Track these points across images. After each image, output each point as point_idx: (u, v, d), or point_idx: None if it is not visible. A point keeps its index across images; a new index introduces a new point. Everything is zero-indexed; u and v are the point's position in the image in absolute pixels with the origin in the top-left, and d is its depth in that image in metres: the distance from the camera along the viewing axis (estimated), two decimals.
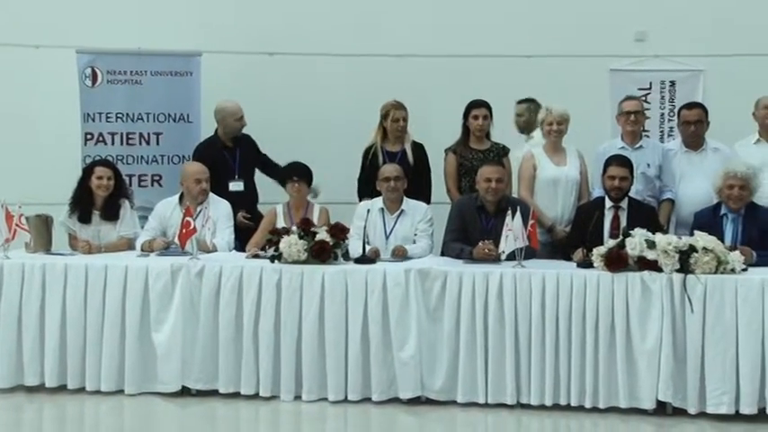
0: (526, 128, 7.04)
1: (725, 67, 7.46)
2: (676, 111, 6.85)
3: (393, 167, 6.18)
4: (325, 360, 5.41)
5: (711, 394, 5.05)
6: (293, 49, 7.82)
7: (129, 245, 6.21)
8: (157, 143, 7.46)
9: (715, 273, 5.13)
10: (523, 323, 5.28)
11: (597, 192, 6.22)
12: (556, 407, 5.24)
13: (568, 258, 5.77)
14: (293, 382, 5.44)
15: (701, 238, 5.22)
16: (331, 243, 5.56)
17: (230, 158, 6.86)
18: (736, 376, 5.01)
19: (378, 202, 6.14)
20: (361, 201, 6.36)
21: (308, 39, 7.85)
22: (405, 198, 6.14)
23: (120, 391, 5.54)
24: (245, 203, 6.71)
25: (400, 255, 5.83)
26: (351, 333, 5.40)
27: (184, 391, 5.54)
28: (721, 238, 5.46)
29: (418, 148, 6.66)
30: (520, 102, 7.10)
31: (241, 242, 6.29)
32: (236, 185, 6.79)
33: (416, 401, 5.38)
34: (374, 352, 5.37)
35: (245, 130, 6.93)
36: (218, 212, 6.23)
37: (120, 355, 5.55)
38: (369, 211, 5.98)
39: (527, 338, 5.27)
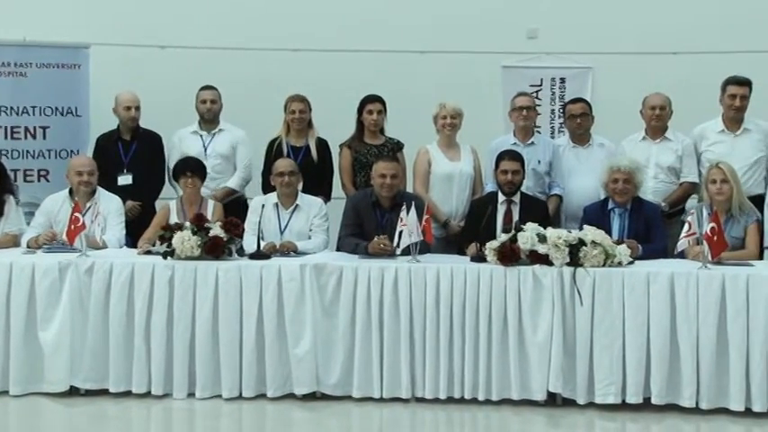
0: None
1: (613, 64, 7.65)
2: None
3: (287, 162, 6.15)
4: (219, 357, 5.35)
5: (599, 385, 5.16)
6: (186, 42, 7.71)
7: (13, 242, 6.03)
8: (44, 137, 7.26)
9: (603, 266, 5.24)
10: (418, 317, 5.31)
11: (490, 187, 6.31)
12: (450, 400, 5.28)
13: (462, 252, 5.85)
14: (186, 380, 5.36)
15: (590, 233, 5.33)
16: (225, 239, 5.49)
17: (123, 151, 6.71)
18: (623, 367, 5.13)
19: (272, 197, 6.09)
20: (266, 194, 6.31)
21: (202, 32, 7.77)
22: (300, 193, 6.11)
23: (5, 392, 5.36)
24: (134, 199, 6.56)
25: (287, 250, 5.78)
26: (245, 329, 5.35)
27: (73, 391, 5.40)
28: (609, 232, 5.59)
29: (322, 145, 6.66)
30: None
31: (132, 238, 6.16)
32: (124, 179, 6.63)
33: (312, 397, 5.36)
34: (269, 348, 5.33)
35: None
36: (109, 208, 6.09)
37: (4, 354, 5.38)
38: (263, 206, 5.93)
39: (422, 333, 5.30)
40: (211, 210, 6.11)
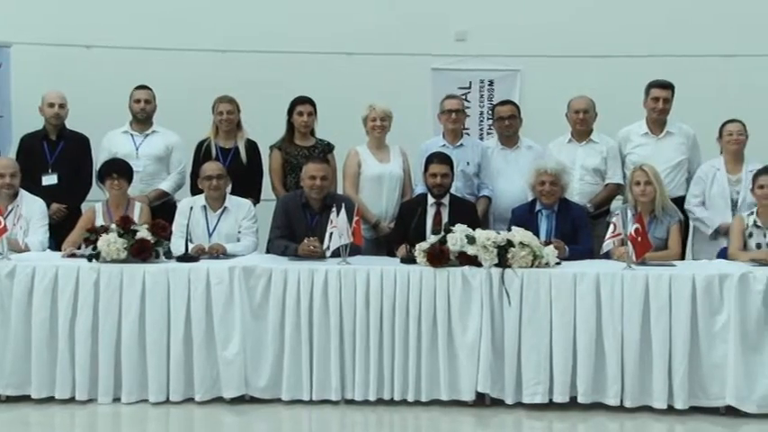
0: None
1: (541, 67, 7.75)
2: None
3: (215, 165, 6.10)
4: (146, 361, 5.28)
5: (527, 384, 5.20)
6: (113, 43, 7.61)
7: None
8: None
9: (531, 267, 5.29)
10: (348, 319, 5.30)
11: (420, 188, 6.33)
12: (380, 401, 5.28)
13: (392, 254, 5.86)
14: (112, 385, 5.28)
15: (518, 234, 5.38)
16: (152, 241, 5.42)
17: (48, 151, 6.58)
18: (550, 367, 5.18)
19: (200, 199, 6.02)
20: (194, 195, 6.25)
21: (129, 32, 7.68)
22: (228, 195, 6.06)
23: None
24: (60, 199, 6.43)
25: (215, 252, 5.73)
26: (173, 333, 5.29)
27: None
28: (537, 234, 5.65)
29: (251, 146, 6.62)
30: None
31: (57, 241, 6.04)
32: (48, 179, 6.50)
33: (240, 400, 5.32)
34: (197, 351, 5.28)
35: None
36: (32, 211, 5.98)
37: None
38: (191, 208, 5.88)
39: (351, 334, 5.30)
40: (138, 212, 6.02)
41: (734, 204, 6.13)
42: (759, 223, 5.75)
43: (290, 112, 6.55)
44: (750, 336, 5.07)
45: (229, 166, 6.29)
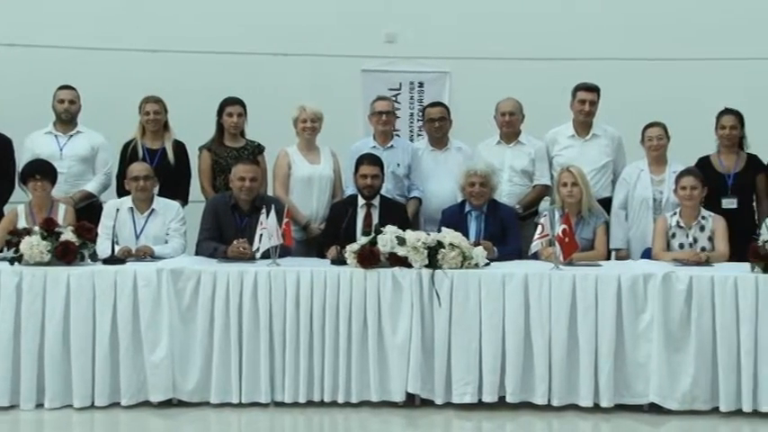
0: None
1: (470, 69, 7.80)
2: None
3: (142, 166, 6.01)
4: (71, 365, 5.19)
5: (456, 384, 5.23)
6: (37, 41, 7.46)
7: None
8: None
9: (460, 267, 5.32)
10: (278, 321, 5.27)
11: (350, 190, 6.33)
12: (310, 403, 5.27)
13: (322, 255, 5.84)
14: (34, 390, 5.18)
15: (448, 235, 5.40)
16: (77, 243, 5.33)
17: None
18: (479, 367, 5.22)
19: (127, 200, 5.94)
20: (120, 198, 6.15)
21: (54, 30, 7.54)
22: (156, 197, 5.98)
23: None
24: None
25: (143, 254, 5.65)
26: (98, 336, 5.20)
27: None
28: (466, 235, 5.69)
29: (179, 147, 6.55)
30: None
31: None
32: None
33: (168, 404, 5.25)
34: (123, 355, 5.20)
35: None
36: None
37: None
38: (118, 210, 5.79)
39: (281, 337, 5.27)
40: (62, 214, 5.91)
41: (657, 205, 6.25)
42: (682, 224, 5.88)
43: (220, 112, 6.51)
44: (673, 335, 5.16)
45: (157, 167, 6.21)
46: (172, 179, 6.34)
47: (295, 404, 5.26)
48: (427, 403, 5.28)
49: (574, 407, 5.21)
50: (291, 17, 7.89)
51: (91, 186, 6.50)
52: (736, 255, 5.63)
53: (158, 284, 5.24)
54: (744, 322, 5.09)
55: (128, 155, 6.40)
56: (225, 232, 5.79)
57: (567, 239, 5.39)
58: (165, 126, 6.54)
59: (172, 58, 7.66)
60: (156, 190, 6.03)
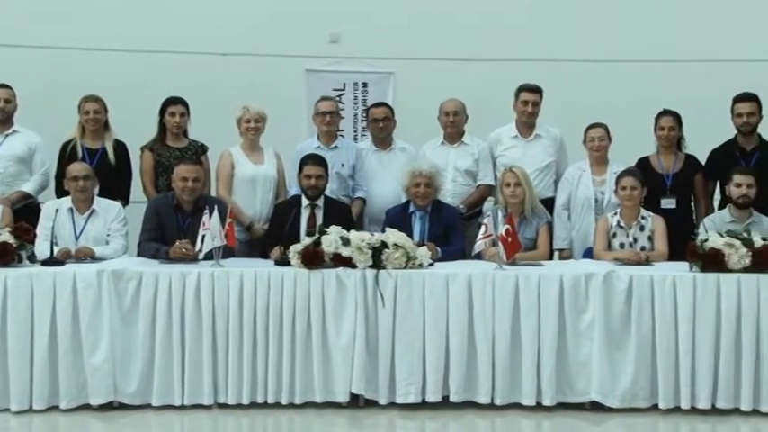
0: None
1: (414, 70, 7.83)
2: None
3: (81, 166, 5.93)
4: (8, 369, 5.10)
5: (400, 384, 5.24)
6: None
7: None
8: None
9: (405, 268, 5.32)
10: (221, 322, 5.23)
11: (294, 190, 6.31)
12: (253, 405, 5.24)
13: (266, 256, 5.81)
14: None
15: (392, 235, 5.41)
16: (15, 245, 5.24)
17: None
18: (423, 367, 5.23)
19: (66, 201, 5.85)
20: (59, 198, 6.05)
21: None
22: (96, 197, 5.90)
23: None
24: None
25: (83, 256, 5.57)
26: (37, 339, 5.12)
27: None
28: (410, 235, 5.71)
29: (120, 147, 6.47)
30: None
31: None
32: None
33: (108, 407, 5.19)
34: (63, 357, 5.13)
35: None
36: None
37: None
38: (57, 210, 5.70)
39: (224, 338, 5.24)
40: None
41: (599, 205, 6.32)
42: (622, 224, 5.96)
43: (162, 112, 6.45)
44: (613, 333, 5.21)
45: (97, 166, 6.13)
46: (112, 179, 6.27)
47: (238, 406, 5.23)
48: (371, 404, 5.27)
49: (517, 405, 5.24)
50: (235, 17, 7.85)
51: (28, 187, 6.38)
52: (674, 254, 5.72)
53: (99, 286, 5.17)
54: (682, 321, 5.17)
55: (67, 155, 6.30)
56: (167, 233, 5.73)
57: (510, 239, 5.42)
58: (106, 126, 6.46)
59: (113, 57, 7.57)
60: (96, 190, 5.95)
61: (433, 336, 5.25)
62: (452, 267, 5.46)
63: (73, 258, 5.52)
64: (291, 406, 5.25)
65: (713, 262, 5.21)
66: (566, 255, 6.36)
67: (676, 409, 5.17)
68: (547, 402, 5.21)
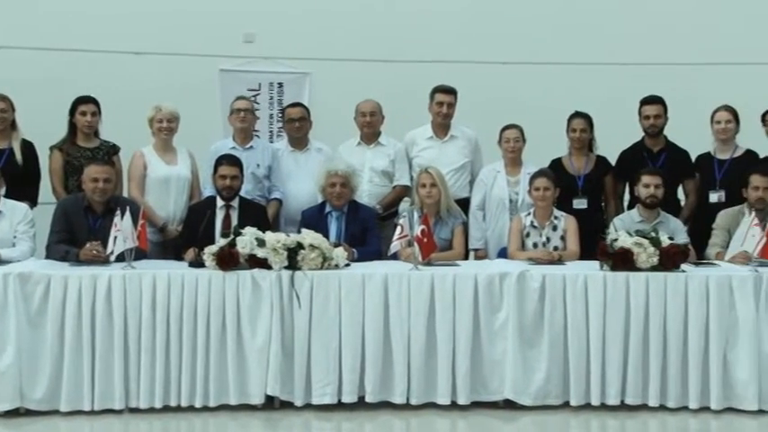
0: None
1: (330, 70, 7.82)
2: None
3: None
4: None
5: (316, 386, 5.23)
6: None
7: None
8: None
9: (321, 268, 5.32)
10: (133, 325, 5.15)
11: (208, 191, 6.25)
12: (166, 408, 5.17)
13: (180, 258, 5.74)
14: None
15: (308, 236, 5.39)
16: None
17: None
18: (339, 368, 5.23)
19: None
20: None
21: None
22: (2, 198, 5.76)
23: None
24: None
25: None
26: None
27: None
28: (326, 235, 5.70)
29: (27, 147, 6.31)
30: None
31: None
32: None
33: (15, 413, 5.07)
34: None
35: None
36: None
37: None
38: None
39: (137, 341, 5.16)
40: None
41: (513, 205, 6.40)
42: (536, 223, 6.04)
43: (72, 111, 6.31)
44: (527, 332, 5.28)
45: (3, 167, 5.99)
46: (20, 180, 6.11)
47: (151, 410, 5.16)
48: (287, 405, 5.25)
49: (432, 405, 5.27)
50: (148, 15, 7.75)
51: None
52: (586, 253, 5.81)
53: (5, 289, 5.05)
54: (593, 319, 5.26)
55: None
56: (77, 235, 5.62)
57: (425, 240, 5.45)
58: (13, 125, 6.29)
59: (21, 54, 7.41)
60: (2, 191, 5.80)
61: (349, 336, 5.25)
62: (368, 268, 5.47)
63: None
64: (206, 409, 5.20)
65: (622, 261, 5.31)
66: (481, 255, 6.42)
67: (587, 406, 5.26)
68: (462, 401, 5.25)
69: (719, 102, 6.57)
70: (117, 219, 5.27)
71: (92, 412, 5.11)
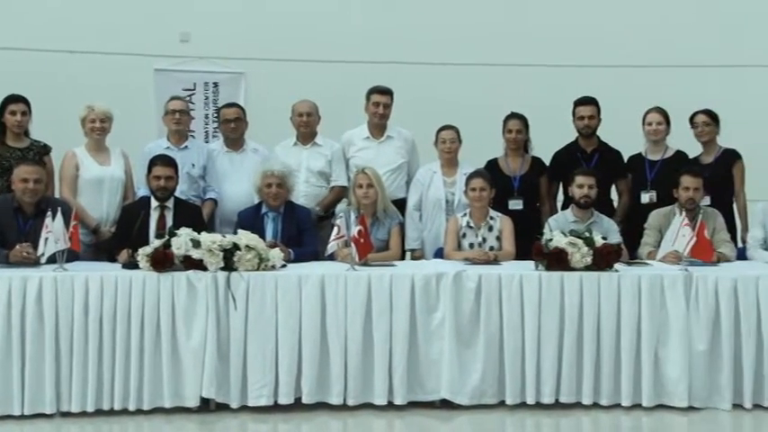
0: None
1: (265, 70, 7.80)
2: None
3: None
4: None
5: (252, 387, 5.19)
6: None
7: None
8: None
9: (257, 270, 5.29)
10: (65, 328, 5.07)
11: (142, 192, 6.18)
12: (99, 412, 5.10)
13: (113, 259, 5.67)
14: None
15: (244, 237, 5.36)
16: None
17: None
18: (276, 369, 5.20)
19: None
20: None
21: None
22: None
23: None
24: None
25: None
26: None
27: None
28: (263, 236, 5.68)
29: None
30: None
31: None
32: None
33: None
34: None
35: None
36: None
37: None
38: None
39: (68, 344, 5.07)
40: None
41: (449, 206, 6.43)
42: (472, 224, 6.09)
43: (2, 111, 6.18)
44: (463, 332, 5.30)
45: None
46: None
47: (83, 413, 5.08)
48: (222, 407, 5.21)
49: (369, 405, 5.27)
50: (82, 13, 7.66)
51: None
52: (521, 253, 5.87)
53: None
54: (528, 318, 5.30)
55: None
56: (7, 236, 5.52)
57: (362, 240, 5.46)
58: None
59: None
60: None
61: (286, 338, 5.23)
62: (305, 269, 5.46)
63: None
64: (139, 412, 5.13)
65: (557, 261, 5.37)
66: (417, 255, 6.44)
67: (522, 405, 5.30)
68: (398, 401, 5.26)
69: (651, 103, 6.69)
70: (48, 220, 5.18)
71: (22, 417, 5.02)
